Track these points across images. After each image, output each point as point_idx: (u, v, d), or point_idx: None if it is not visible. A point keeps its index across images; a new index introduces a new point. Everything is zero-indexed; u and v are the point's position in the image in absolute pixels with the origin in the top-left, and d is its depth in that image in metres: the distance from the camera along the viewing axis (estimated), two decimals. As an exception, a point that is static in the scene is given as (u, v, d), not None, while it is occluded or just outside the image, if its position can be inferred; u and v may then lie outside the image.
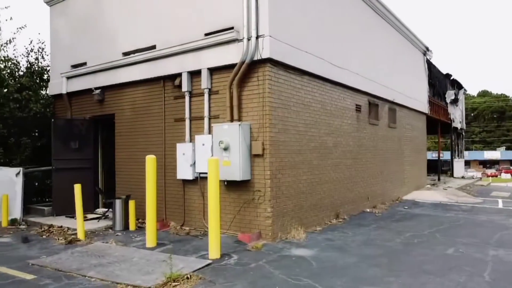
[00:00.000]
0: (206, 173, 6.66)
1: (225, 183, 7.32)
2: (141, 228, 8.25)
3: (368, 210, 10.53)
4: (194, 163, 7.77)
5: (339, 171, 9.34)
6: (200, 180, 7.79)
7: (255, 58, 6.99)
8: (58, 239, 7.38)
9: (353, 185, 10.01)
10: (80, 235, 7.36)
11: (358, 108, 10.34)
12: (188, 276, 5.07)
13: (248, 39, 6.97)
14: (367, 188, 10.82)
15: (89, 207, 9.34)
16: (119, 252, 6.40)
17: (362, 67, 10.35)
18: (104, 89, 9.54)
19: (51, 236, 7.74)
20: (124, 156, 9.19)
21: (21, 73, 11.73)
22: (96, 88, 9.53)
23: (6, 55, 11.53)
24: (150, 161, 6.63)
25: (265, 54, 6.90)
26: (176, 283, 4.85)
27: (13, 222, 8.96)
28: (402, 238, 7.36)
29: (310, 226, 8.04)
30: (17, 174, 9.22)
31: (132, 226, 8.16)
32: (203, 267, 5.54)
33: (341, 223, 8.84)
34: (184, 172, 7.89)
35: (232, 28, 7.24)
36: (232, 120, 7.26)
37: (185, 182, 8.06)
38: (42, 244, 7.21)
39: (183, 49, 7.90)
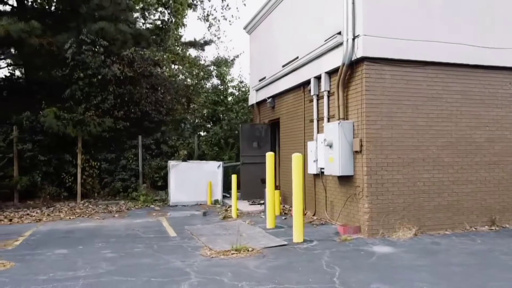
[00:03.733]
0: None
1: (338, 178, 7.88)
2: (286, 214, 9.70)
3: None
4: (317, 159, 8.59)
5: (498, 171, 7.92)
6: (321, 175, 8.54)
7: (353, 59, 7.27)
8: (219, 216, 9.76)
9: (533, 189, 8.15)
10: (233, 215, 9.50)
11: (546, 94, 8.28)
12: (251, 249, 6.25)
13: (347, 41, 7.32)
14: None
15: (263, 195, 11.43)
16: (241, 228, 8.11)
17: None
18: (274, 97, 11.46)
19: (221, 213, 10.23)
20: (284, 154, 10.82)
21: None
22: (269, 97, 11.57)
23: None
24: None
25: (359, 54, 7.10)
26: (235, 252, 6.14)
27: (215, 202, 12.09)
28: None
29: (435, 228, 7.42)
30: (218, 166, 12.33)
31: (277, 211, 9.69)
32: (275, 246, 6.56)
33: (493, 231, 7.55)
34: (311, 167, 8.82)
35: (340, 33, 7.71)
36: (339, 119, 7.75)
37: (314, 176, 8.96)
38: (210, 217, 9.74)
39: (310, 57, 8.84)
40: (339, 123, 7.45)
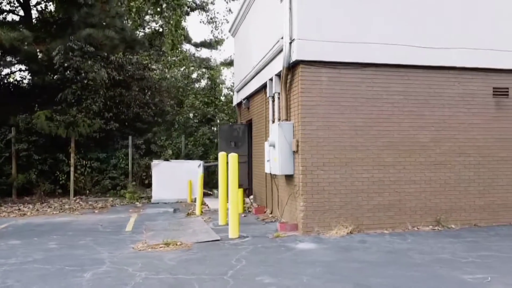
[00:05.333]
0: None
1: (284, 177, 8.15)
2: (249, 211, 10.04)
3: (522, 223, 8.11)
4: (269, 159, 8.85)
5: (445, 171, 7.92)
6: (271, 174, 8.82)
7: (290, 62, 7.52)
8: (185, 213, 10.22)
9: (484, 189, 8.08)
10: (197, 212, 9.95)
11: (499, 93, 8.18)
12: (179, 243, 6.66)
13: (285, 46, 7.57)
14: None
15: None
16: (194, 224, 8.53)
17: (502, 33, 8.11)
18: (248, 99, 11.79)
19: (190, 210, 10.69)
20: (254, 154, 11.15)
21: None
22: (244, 99, 11.91)
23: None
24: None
25: (294, 57, 7.35)
26: (164, 246, 6.57)
27: (195, 200, 12.54)
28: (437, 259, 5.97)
29: (374, 227, 7.54)
30: (199, 166, 12.80)
31: (240, 209, 10.03)
32: (207, 241, 6.93)
33: (434, 231, 7.58)
34: (266, 167, 9.07)
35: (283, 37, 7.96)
36: (283, 120, 8.00)
37: (271, 175, 9.23)
38: (178, 214, 10.23)
39: (266, 60, 9.08)
40: (278, 124, 7.73)
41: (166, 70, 16.31)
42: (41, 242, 7.17)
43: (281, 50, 8.04)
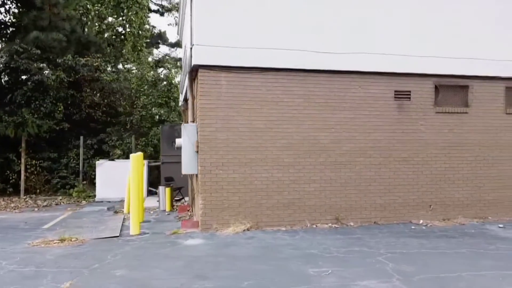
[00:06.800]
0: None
1: (195, 176, 8.50)
2: (176, 210, 10.40)
3: (421, 221, 8.42)
4: (186, 159, 9.21)
5: (345, 171, 8.25)
6: (189, 174, 9.17)
7: (192, 66, 7.86)
8: (115, 211, 10.57)
9: (385, 188, 8.41)
10: (125, 210, 10.28)
11: (401, 95, 8.52)
12: (74, 239, 7.01)
13: (187, 51, 7.92)
14: (431, 195, 8.63)
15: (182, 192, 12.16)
16: (110, 221, 8.88)
17: (405, 40, 8.44)
18: (186, 100, 12.10)
19: (121, 209, 11.03)
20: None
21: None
22: (182, 101, 12.25)
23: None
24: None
25: (193, 62, 7.68)
26: (58, 241, 6.91)
27: (139, 198, 12.92)
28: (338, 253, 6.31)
29: (273, 225, 7.87)
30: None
31: (168, 207, 10.39)
32: (105, 237, 7.28)
33: (331, 228, 7.92)
34: (184, 166, 9.47)
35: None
36: (191, 121, 8.35)
37: (190, 175, 9.60)
38: (108, 212, 10.56)
39: (186, 63, 9.43)
40: (183, 126, 8.07)
41: (122, 72, 16.63)
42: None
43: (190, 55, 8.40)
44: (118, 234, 7.46)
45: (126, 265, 5.56)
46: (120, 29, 18.70)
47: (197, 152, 7.87)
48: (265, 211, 7.91)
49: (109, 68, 15.94)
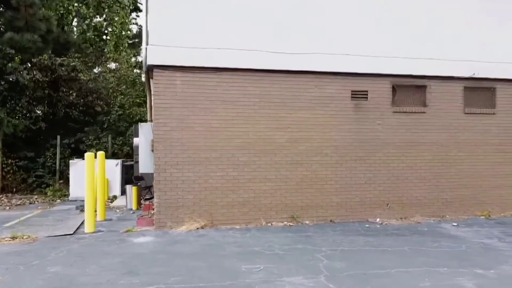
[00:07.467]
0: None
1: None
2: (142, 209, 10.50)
3: (378, 220, 8.52)
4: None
5: (301, 170, 8.35)
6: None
7: (147, 66, 7.96)
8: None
9: (341, 187, 8.51)
10: (91, 208, 10.38)
11: (358, 95, 8.61)
12: (26, 237, 7.12)
13: (142, 51, 8.03)
14: (388, 193, 8.73)
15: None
16: (71, 219, 8.99)
17: (361, 40, 8.54)
18: (157, 100, 12.23)
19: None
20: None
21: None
22: (154, 100, 12.37)
23: None
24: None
25: (148, 61, 7.78)
26: (10, 239, 7.02)
27: (113, 197, 13.01)
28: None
29: (228, 223, 7.97)
30: (116, 164, 13.24)
31: (135, 206, 10.49)
32: (59, 235, 7.38)
33: (286, 226, 8.02)
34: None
35: (151, 41, 8.40)
36: (150, 121, 8.45)
37: (154, 173, 9.69)
38: (76, 211, 10.67)
39: (150, 64, 9.56)
40: (139, 125, 8.17)
41: (101, 73, 16.73)
42: None
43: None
44: (72, 232, 7.55)
45: (65, 262, 5.66)
46: (102, 29, 18.76)
47: (153, 151, 7.96)
48: (220, 209, 8.01)
49: (88, 69, 16.03)
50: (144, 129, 8.16)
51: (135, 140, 8.53)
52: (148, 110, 8.43)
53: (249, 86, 8.17)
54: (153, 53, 7.71)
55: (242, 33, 8.10)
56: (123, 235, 7.38)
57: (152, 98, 7.91)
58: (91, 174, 7.70)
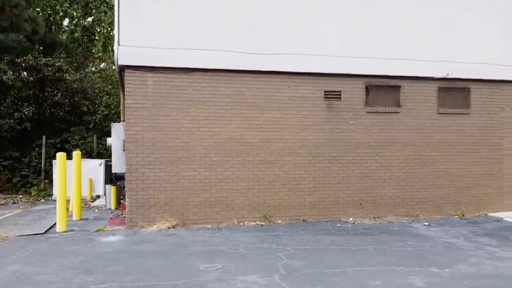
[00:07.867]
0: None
1: (128, 175, 8.65)
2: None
3: (351, 220, 8.58)
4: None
5: (274, 169, 8.40)
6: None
7: (118, 66, 8.01)
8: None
9: (314, 186, 8.56)
10: (71, 208, 10.41)
11: (331, 96, 8.66)
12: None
13: (114, 51, 8.07)
14: (362, 193, 8.77)
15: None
16: (48, 219, 9.04)
17: (333, 41, 8.59)
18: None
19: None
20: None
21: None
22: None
23: None
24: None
25: (119, 62, 7.82)
26: (-21, 238, 7.08)
27: (97, 197, 13.06)
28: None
29: (200, 222, 8.02)
30: (100, 164, 13.29)
31: (113, 205, 10.54)
32: (29, 234, 7.43)
33: (258, 226, 8.06)
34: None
35: (124, 42, 8.44)
36: (123, 120, 8.50)
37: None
38: (54, 210, 10.70)
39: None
40: (112, 125, 8.22)
41: (87, 73, 16.79)
42: None
43: (124, 55, 8.54)
44: (43, 232, 7.60)
45: (27, 261, 5.71)
46: (91, 29, 18.82)
47: (125, 151, 8.01)
48: (192, 209, 8.06)
49: (74, 69, 16.08)
50: (117, 128, 8.21)
51: (108, 140, 8.58)
52: (122, 110, 8.48)
53: (221, 86, 8.21)
54: (124, 53, 7.76)
55: (213, 34, 8.14)
56: (93, 234, 7.43)
57: (125, 98, 7.95)
58: (63, 174, 7.75)
